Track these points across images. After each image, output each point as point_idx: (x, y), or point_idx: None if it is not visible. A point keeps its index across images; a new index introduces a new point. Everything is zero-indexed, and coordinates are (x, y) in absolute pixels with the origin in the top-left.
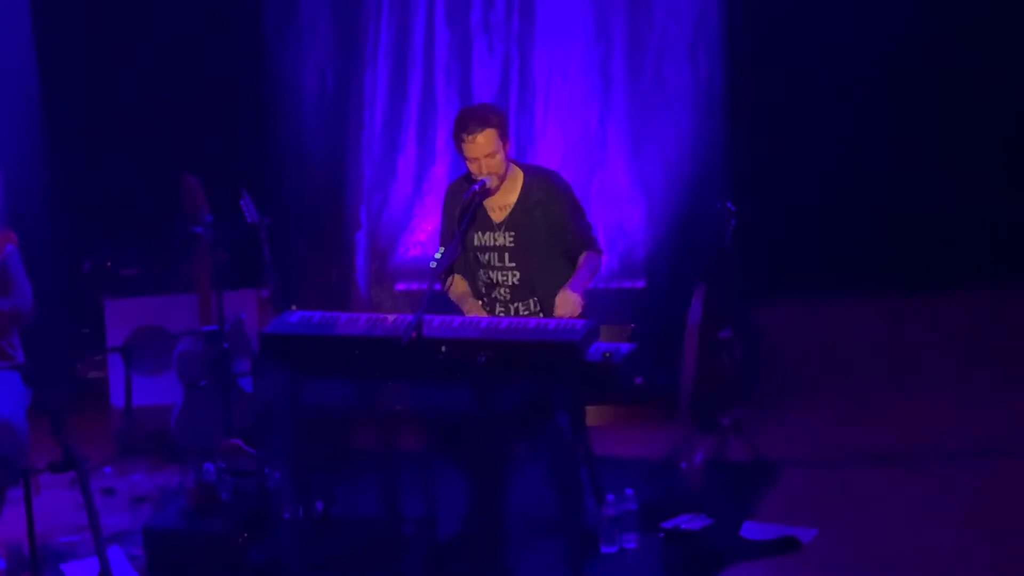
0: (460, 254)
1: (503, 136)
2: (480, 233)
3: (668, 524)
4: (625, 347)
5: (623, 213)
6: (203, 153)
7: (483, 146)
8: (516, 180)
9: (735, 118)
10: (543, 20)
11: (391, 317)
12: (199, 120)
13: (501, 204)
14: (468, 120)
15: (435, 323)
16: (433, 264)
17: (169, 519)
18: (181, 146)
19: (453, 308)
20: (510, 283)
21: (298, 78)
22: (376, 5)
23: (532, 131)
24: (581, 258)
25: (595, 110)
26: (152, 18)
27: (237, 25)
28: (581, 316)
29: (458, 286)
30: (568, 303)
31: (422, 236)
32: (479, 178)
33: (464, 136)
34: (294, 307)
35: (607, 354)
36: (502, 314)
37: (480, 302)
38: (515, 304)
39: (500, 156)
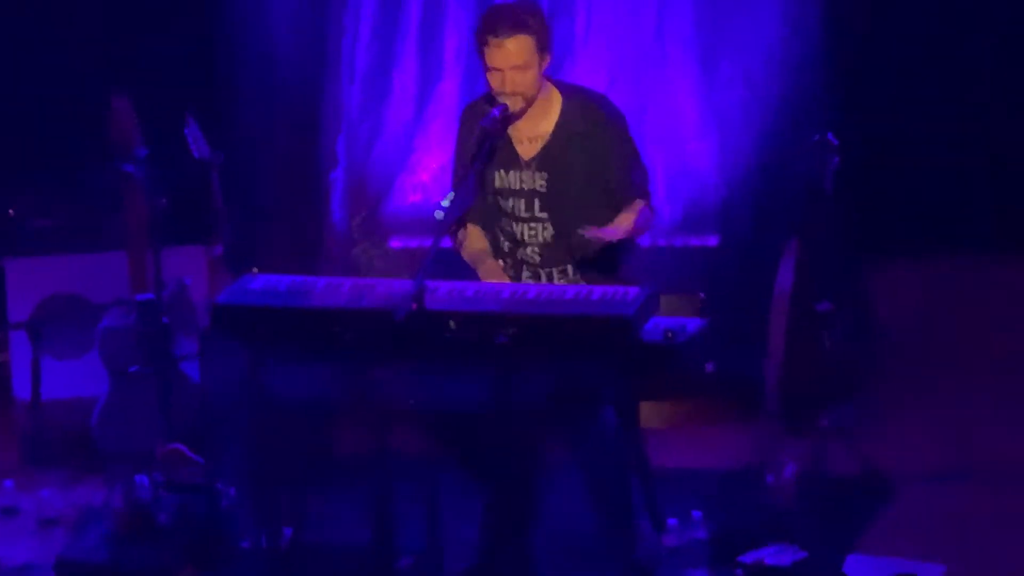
0: (476, 200)
1: (542, 47)
2: (503, 172)
3: (748, 558)
4: (692, 324)
5: (689, 149)
6: (135, 64)
7: (513, 55)
8: (551, 104)
9: (836, 26)
10: None
11: (383, 283)
12: (129, 20)
13: (531, 134)
14: (499, 18)
15: (441, 291)
16: (440, 213)
17: (89, 548)
18: (106, 55)
19: (466, 271)
20: (541, 239)
21: None
22: None
23: (571, 42)
24: (628, 206)
25: (651, 14)
26: None
27: None
28: (631, 280)
29: (473, 242)
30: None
31: (425, 176)
32: (500, 99)
33: (490, 39)
34: (255, 269)
35: (669, 333)
36: (530, 280)
37: (502, 264)
38: (547, 268)
39: (533, 72)
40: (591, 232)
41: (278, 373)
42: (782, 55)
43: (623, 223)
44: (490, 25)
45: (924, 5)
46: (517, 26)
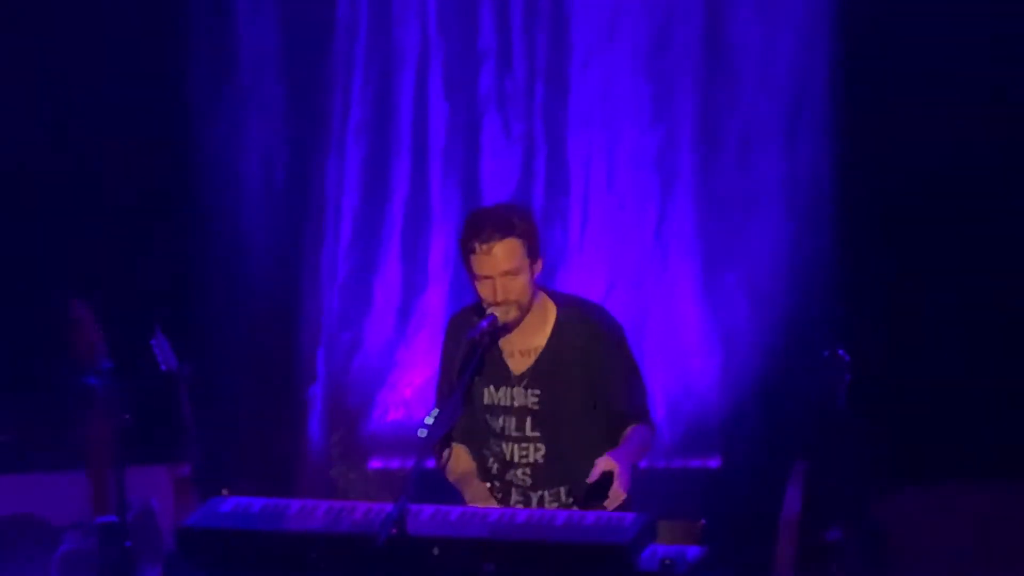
0: (463, 417)
1: (531, 251)
2: (492, 388)
3: None
4: (693, 552)
5: (691, 365)
6: (100, 271)
7: (502, 261)
8: (545, 315)
9: (850, 229)
10: (578, 92)
11: (362, 506)
12: (94, 224)
13: (524, 348)
14: (483, 223)
15: (425, 515)
16: (423, 431)
17: None
18: (69, 261)
19: (451, 494)
20: (532, 460)
21: (235, 165)
22: (346, 65)
23: (565, 246)
24: (627, 430)
25: (652, 218)
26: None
27: (154, 89)
28: (628, 507)
29: (459, 463)
30: (609, 463)
31: (407, 392)
32: (490, 310)
33: (477, 245)
34: (225, 491)
35: (667, 561)
36: (520, 504)
37: (490, 486)
38: (538, 491)
39: (524, 279)
40: (593, 478)
41: None
42: (789, 264)
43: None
44: (475, 230)
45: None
46: (504, 229)
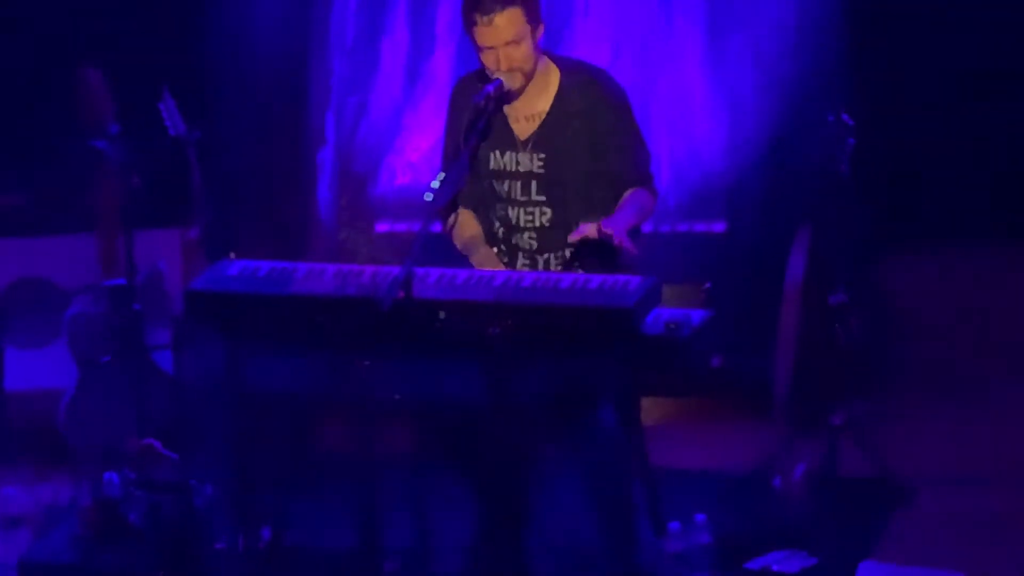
0: (469, 182)
1: (532, 17)
2: (498, 153)
3: (755, 564)
4: (697, 315)
5: (697, 130)
6: (107, 36)
7: (503, 30)
8: (549, 79)
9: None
10: None
11: (369, 270)
12: None
13: (528, 112)
14: None
15: (431, 279)
16: (430, 196)
17: (56, 550)
18: (75, 24)
19: (457, 258)
20: (538, 224)
21: None
22: None
23: (570, 11)
24: (627, 194)
25: None
26: None
27: None
28: (633, 268)
29: (466, 227)
30: (589, 227)
31: (414, 156)
32: (496, 76)
33: (477, 16)
34: (233, 254)
35: (672, 324)
36: (526, 267)
37: (496, 250)
38: (544, 255)
39: (527, 45)
40: (577, 233)
41: (257, 364)
42: (795, 28)
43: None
44: (476, 2)
45: None
46: (504, 0)
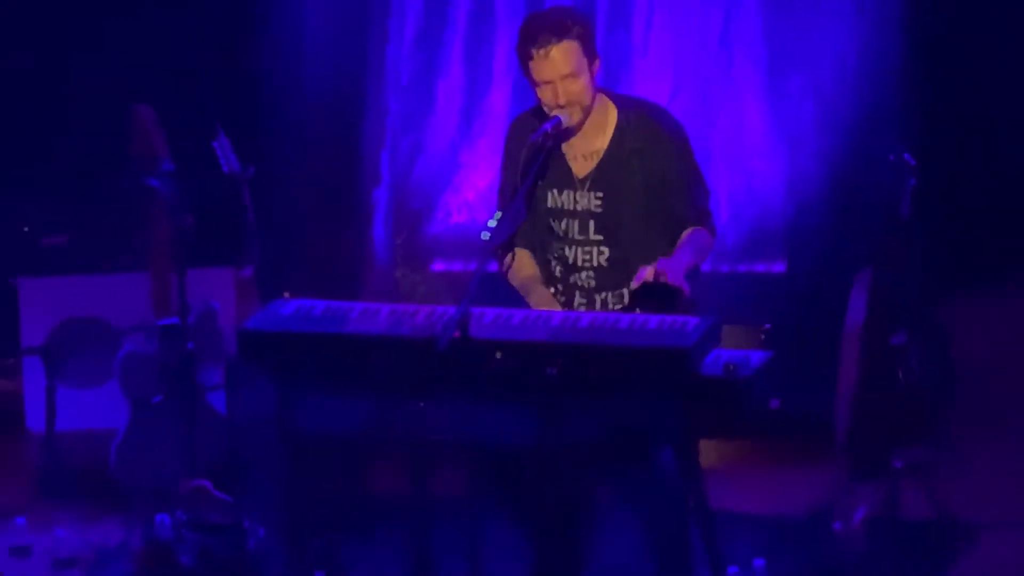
0: (526, 221)
1: (589, 52)
2: (555, 192)
3: None
4: (757, 356)
5: (755, 168)
6: (161, 75)
7: (560, 64)
8: (607, 117)
9: (920, 35)
10: None
11: (424, 309)
12: (156, 28)
13: (586, 151)
14: (539, 27)
15: (487, 319)
16: (486, 235)
17: None
18: (130, 63)
19: (514, 298)
20: (595, 263)
21: None
22: None
23: (628, 49)
24: (685, 234)
25: (718, 20)
26: None
27: None
28: (691, 309)
29: (522, 267)
30: (652, 270)
31: (471, 195)
32: (553, 113)
33: (533, 51)
34: (287, 294)
35: (731, 366)
36: (583, 307)
37: (553, 290)
38: (602, 294)
39: (584, 80)
40: (637, 279)
41: (310, 405)
42: (856, 67)
43: (670, 270)
44: (531, 36)
45: (1011, 13)
46: (560, 32)
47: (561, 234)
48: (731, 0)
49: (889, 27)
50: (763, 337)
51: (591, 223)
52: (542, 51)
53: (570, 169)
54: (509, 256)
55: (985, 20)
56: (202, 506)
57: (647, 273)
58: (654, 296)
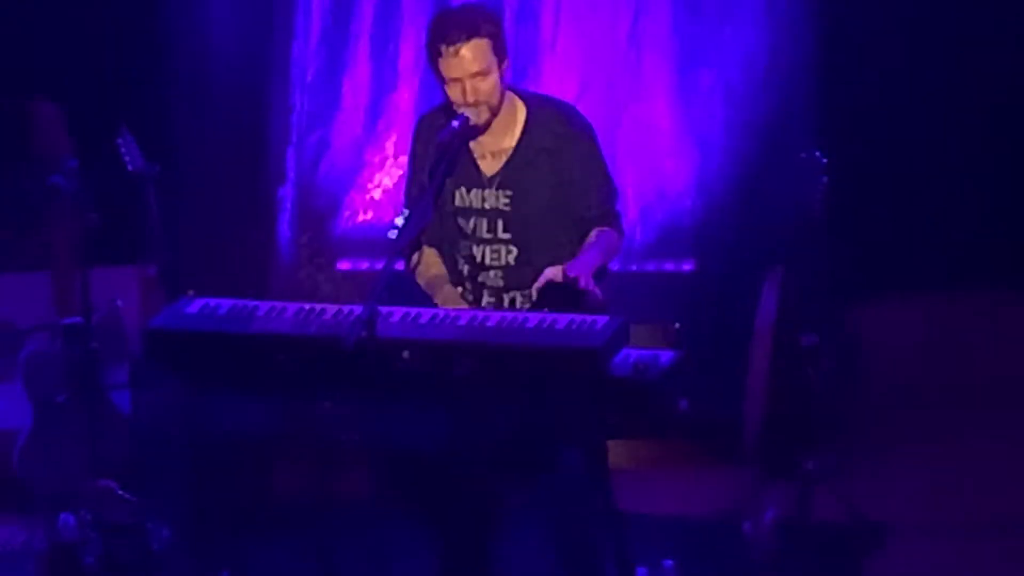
0: (433, 220)
1: (499, 50)
2: (463, 190)
3: None
4: (666, 356)
5: (665, 168)
6: (63, 69)
7: (470, 63)
8: (515, 115)
9: (830, 33)
10: None
11: (331, 308)
12: (58, 22)
13: (494, 149)
14: (449, 25)
15: (395, 318)
16: (393, 233)
17: None
18: (31, 59)
19: (421, 297)
20: (504, 263)
21: None
22: None
23: (536, 47)
24: (592, 234)
25: (626, 19)
26: None
27: None
28: (594, 304)
29: (430, 266)
30: (554, 271)
31: (377, 193)
32: (461, 111)
33: (443, 47)
34: (192, 292)
35: (640, 366)
36: (491, 306)
37: (461, 288)
38: (511, 293)
39: (494, 79)
40: (542, 278)
41: (216, 405)
42: (766, 65)
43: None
44: (441, 33)
45: (922, 10)
46: (470, 30)
47: (469, 233)
48: (640, 4)
49: (798, 25)
50: (673, 336)
51: (499, 222)
52: (452, 48)
53: (478, 167)
54: (416, 255)
55: (893, 17)
56: (107, 506)
57: (553, 273)
58: (561, 296)
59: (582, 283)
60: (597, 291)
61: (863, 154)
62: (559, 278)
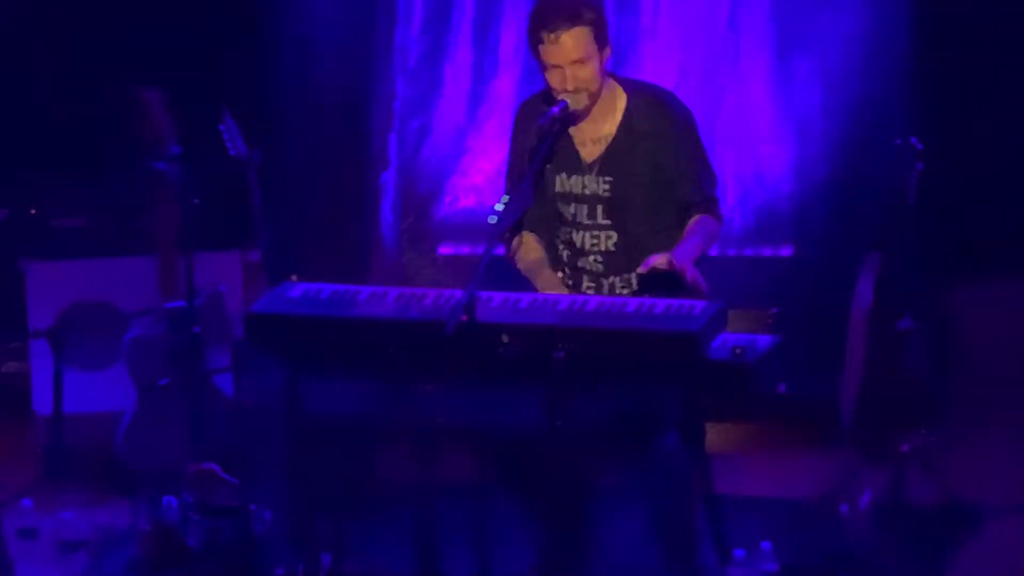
0: (533, 205)
1: (600, 37)
2: (564, 176)
3: None
4: (764, 340)
5: (763, 153)
6: (168, 58)
7: (571, 50)
8: (615, 102)
9: (929, 19)
10: None
11: (432, 293)
12: (163, 9)
13: (594, 136)
14: (551, 12)
15: (494, 302)
16: (494, 219)
17: (113, 574)
18: (136, 47)
19: (521, 282)
20: (603, 248)
21: None
22: None
23: (636, 34)
24: (691, 222)
25: (725, 5)
26: None
27: None
28: (697, 294)
29: (530, 251)
30: (663, 259)
31: (478, 179)
32: (562, 97)
33: (544, 35)
34: (295, 277)
35: (738, 350)
36: (591, 291)
37: (560, 274)
38: (610, 279)
39: (594, 66)
40: (645, 265)
41: (317, 389)
42: (864, 51)
43: (683, 262)
44: (543, 20)
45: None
46: (572, 18)
47: (569, 218)
48: None
49: (897, 11)
50: (770, 321)
51: (599, 208)
52: (553, 35)
53: (578, 153)
54: (516, 240)
55: (994, 4)
56: (209, 489)
57: (658, 260)
58: (665, 283)
59: (689, 275)
60: (702, 281)
61: (959, 139)
62: (664, 265)
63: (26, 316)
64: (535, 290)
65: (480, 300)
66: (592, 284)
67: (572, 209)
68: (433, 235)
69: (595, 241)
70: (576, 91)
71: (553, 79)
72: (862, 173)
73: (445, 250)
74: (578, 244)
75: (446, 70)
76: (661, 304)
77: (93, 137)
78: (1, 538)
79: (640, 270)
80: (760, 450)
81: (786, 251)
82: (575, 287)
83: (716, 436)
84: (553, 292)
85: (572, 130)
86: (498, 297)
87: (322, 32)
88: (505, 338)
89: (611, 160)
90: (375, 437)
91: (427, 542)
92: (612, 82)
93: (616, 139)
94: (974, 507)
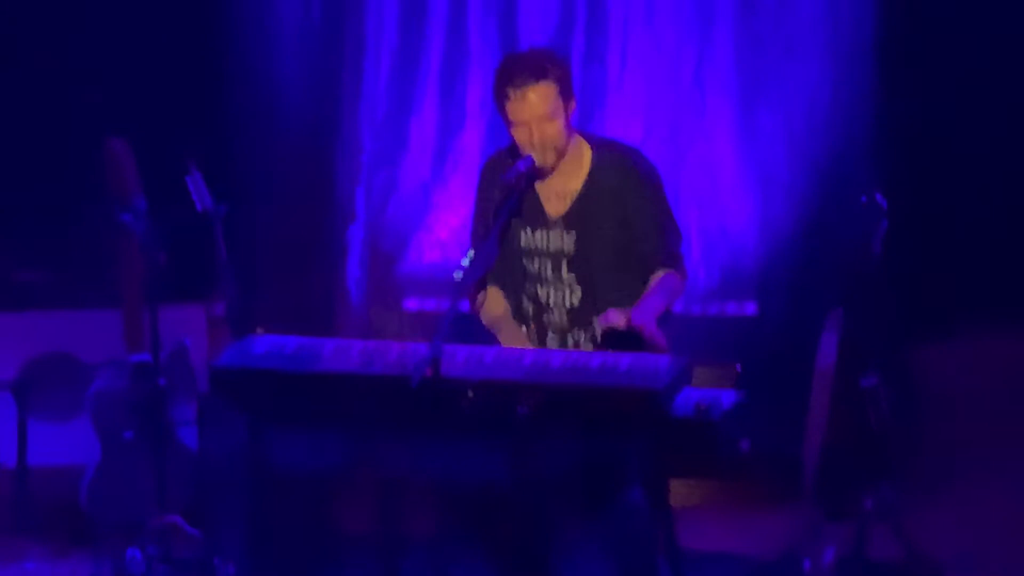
0: (499, 260)
1: (565, 94)
2: (529, 231)
3: None
4: (727, 397)
5: (727, 209)
6: (135, 109)
7: (536, 106)
8: (581, 158)
9: (890, 76)
10: None
11: (397, 347)
12: (129, 61)
13: (560, 191)
14: (516, 69)
15: (459, 357)
16: (459, 274)
17: None
18: (104, 98)
19: (486, 336)
20: (568, 304)
21: (272, 2)
22: None
23: (603, 88)
24: (655, 278)
25: (690, 60)
26: None
27: None
28: (657, 351)
29: (494, 305)
30: (618, 316)
31: (443, 234)
32: (528, 152)
33: (510, 91)
34: (260, 330)
35: (702, 406)
36: (555, 346)
37: (525, 328)
38: (574, 333)
39: (560, 122)
40: (606, 320)
41: (282, 442)
42: (828, 106)
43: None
44: (508, 76)
45: (983, 57)
46: (537, 74)
47: (534, 273)
48: (704, 38)
49: (861, 67)
50: (734, 378)
51: (564, 263)
52: (519, 92)
53: (543, 208)
54: (481, 295)
55: (957, 61)
56: (173, 542)
57: (617, 319)
58: (622, 340)
59: (647, 333)
60: (662, 339)
61: (925, 195)
62: (623, 325)
63: None
64: (500, 345)
65: (445, 354)
66: (556, 339)
67: (537, 264)
68: (399, 290)
69: (560, 296)
70: (542, 147)
71: (519, 135)
72: (827, 229)
73: (411, 305)
74: (543, 299)
75: (412, 124)
76: (625, 360)
77: (58, 188)
78: None
79: (598, 326)
80: (724, 506)
81: (750, 308)
82: (540, 342)
83: (680, 491)
84: (518, 347)
85: (538, 185)
86: (463, 352)
87: (290, 86)
88: (470, 393)
89: (576, 215)
90: (339, 491)
91: None
92: (578, 137)
93: (582, 195)
94: (937, 564)
